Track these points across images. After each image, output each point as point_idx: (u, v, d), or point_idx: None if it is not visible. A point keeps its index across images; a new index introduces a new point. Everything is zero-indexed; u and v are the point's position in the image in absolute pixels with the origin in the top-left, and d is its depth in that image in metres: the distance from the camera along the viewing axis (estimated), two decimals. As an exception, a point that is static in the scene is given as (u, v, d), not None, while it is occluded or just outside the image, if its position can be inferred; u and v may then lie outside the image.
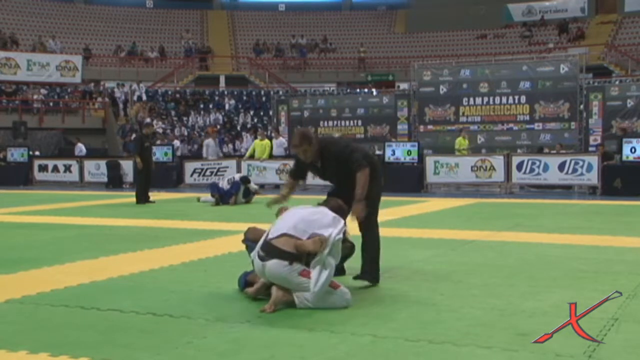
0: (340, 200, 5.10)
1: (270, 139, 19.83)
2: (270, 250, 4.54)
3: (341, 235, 4.67)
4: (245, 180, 14.08)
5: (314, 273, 4.48)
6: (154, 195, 14.17)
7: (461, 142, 19.07)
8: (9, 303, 4.81)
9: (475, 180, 16.92)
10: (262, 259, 4.57)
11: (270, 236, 4.64)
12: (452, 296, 4.92)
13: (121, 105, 29.29)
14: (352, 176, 5.12)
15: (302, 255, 4.51)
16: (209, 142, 20.39)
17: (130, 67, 33.86)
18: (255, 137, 20.58)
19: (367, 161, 5.20)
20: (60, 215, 11.30)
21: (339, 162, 5.22)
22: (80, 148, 23.49)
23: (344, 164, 5.18)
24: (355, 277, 5.22)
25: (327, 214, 4.79)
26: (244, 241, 5.21)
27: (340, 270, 5.48)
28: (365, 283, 5.23)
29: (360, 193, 5.05)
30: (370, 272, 5.29)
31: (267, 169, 18.64)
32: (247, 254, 5.00)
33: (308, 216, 4.73)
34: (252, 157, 19.04)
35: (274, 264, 4.50)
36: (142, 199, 13.61)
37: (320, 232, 4.58)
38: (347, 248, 4.99)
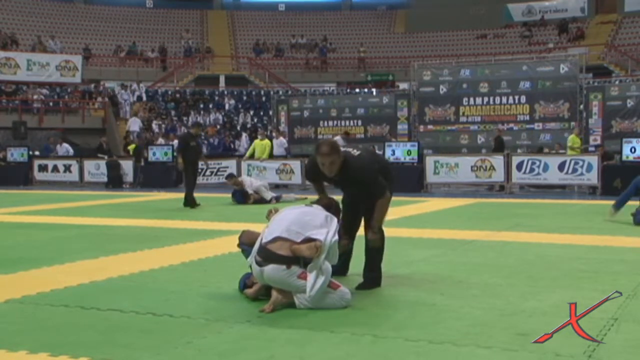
0: (333, 198, 4.98)
1: (271, 139, 19.84)
2: (267, 256, 4.51)
3: (337, 237, 4.59)
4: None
5: (310, 277, 4.44)
6: (155, 195, 14.06)
7: (574, 139, 17.98)
8: (9, 303, 4.80)
9: (475, 180, 16.92)
10: (259, 264, 4.54)
11: (264, 240, 4.60)
12: (452, 296, 4.91)
13: (127, 108, 29.02)
14: (367, 197, 5.07)
15: (298, 258, 4.48)
16: (338, 140, 20.02)
17: (130, 67, 33.85)
18: (251, 137, 20.43)
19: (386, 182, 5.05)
20: (60, 215, 11.29)
21: (355, 182, 5.00)
22: (58, 149, 23.65)
23: (360, 185, 4.98)
24: (358, 288, 5.12)
25: (319, 213, 4.70)
26: (239, 245, 5.15)
27: (341, 271, 5.47)
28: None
29: (379, 219, 5.01)
30: (373, 278, 5.24)
31: (267, 169, 18.66)
32: (244, 257, 4.99)
33: (300, 217, 4.66)
34: (252, 157, 19.07)
35: (271, 269, 4.48)
36: (191, 200, 12.75)
37: (315, 234, 4.51)
38: (343, 246, 4.96)
